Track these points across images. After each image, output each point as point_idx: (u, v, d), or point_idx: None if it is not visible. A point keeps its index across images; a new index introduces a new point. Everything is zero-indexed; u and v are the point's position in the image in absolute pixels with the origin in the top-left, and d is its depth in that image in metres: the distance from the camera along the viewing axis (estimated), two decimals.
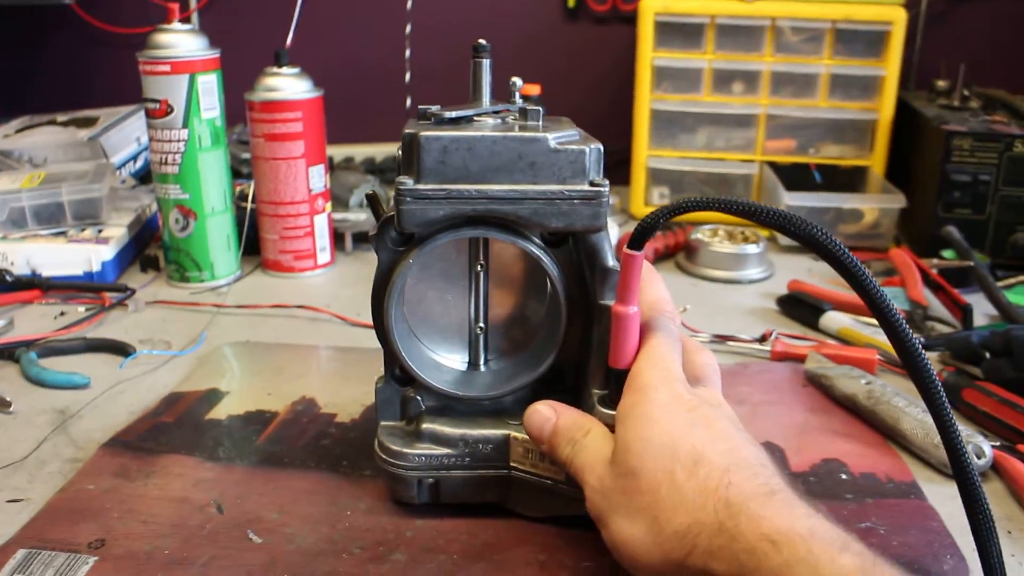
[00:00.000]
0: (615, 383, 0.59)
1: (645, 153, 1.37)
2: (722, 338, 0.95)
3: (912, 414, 0.77)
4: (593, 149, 0.58)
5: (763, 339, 0.95)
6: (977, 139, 1.17)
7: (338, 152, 1.53)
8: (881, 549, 0.61)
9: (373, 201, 0.64)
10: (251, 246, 1.20)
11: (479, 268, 0.64)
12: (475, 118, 0.61)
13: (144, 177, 1.41)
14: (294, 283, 1.17)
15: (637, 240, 0.56)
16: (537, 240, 0.61)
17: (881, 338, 0.95)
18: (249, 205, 1.18)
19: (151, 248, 1.25)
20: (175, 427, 0.78)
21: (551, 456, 0.59)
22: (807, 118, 1.35)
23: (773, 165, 1.35)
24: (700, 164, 1.37)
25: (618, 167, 1.52)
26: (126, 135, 1.43)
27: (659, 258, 1.22)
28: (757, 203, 0.55)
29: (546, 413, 0.60)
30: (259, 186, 1.16)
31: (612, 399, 0.60)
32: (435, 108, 0.60)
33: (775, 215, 0.55)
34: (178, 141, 1.08)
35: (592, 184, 0.58)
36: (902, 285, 1.10)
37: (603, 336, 0.59)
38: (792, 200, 1.23)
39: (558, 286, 0.61)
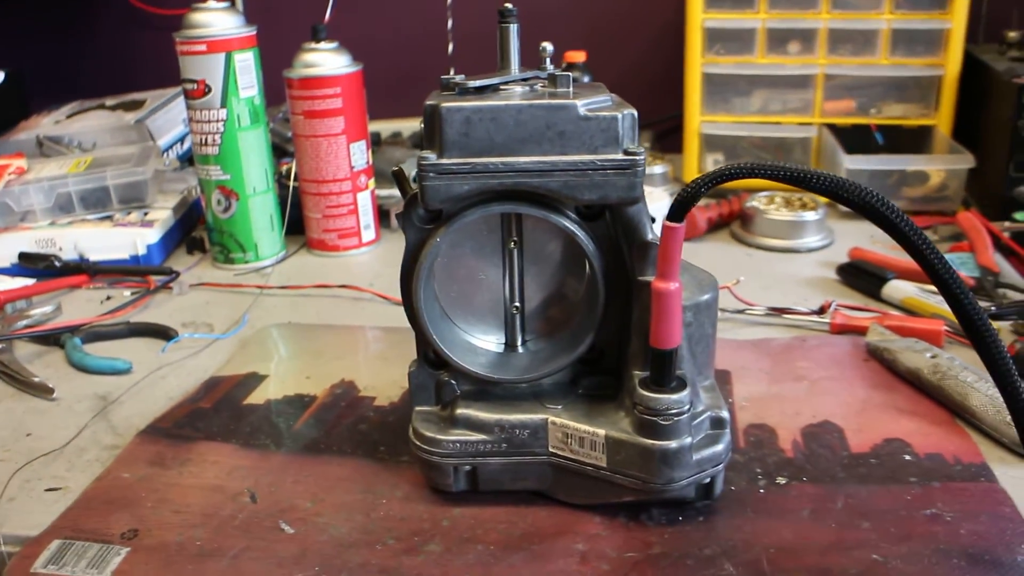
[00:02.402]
0: (657, 364, 0.56)
1: (698, 119, 1.32)
2: (778, 311, 0.91)
3: (982, 389, 0.72)
4: (627, 115, 0.55)
5: (822, 311, 0.90)
6: None
7: (385, 128, 1.51)
8: (948, 538, 0.57)
9: (399, 178, 0.61)
10: (296, 225, 1.18)
11: (512, 245, 0.61)
12: (501, 87, 0.58)
13: (190, 159, 1.40)
14: (339, 262, 1.15)
15: (677, 211, 0.52)
16: (572, 214, 0.58)
17: (948, 308, 0.89)
18: (292, 184, 1.17)
19: (197, 230, 1.24)
20: (212, 413, 0.77)
21: None
22: (867, 77, 1.29)
23: (832, 127, 1.29)
24: (755, 129, 1.32)
25: (670, 134, 1.48)
26: (172, 117, 1.42)
27: (712, 227, 1.17)
28: (805, 168, 0.51)
29: None
30: (301, 164, 1.14)
31: (656, 381, 0.56)
32: (459, 77, 0.57)
33: (825, 180, 0.51)
34: (217, 121, 1.06)
35: (627, 153, 0.54)
36: (971, 250, 1.04)
37: (643, 315, 0.56)
38: (852, 164, 1.18)
39: (594, 262, 0.57)
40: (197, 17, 1.05)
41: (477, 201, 0.57)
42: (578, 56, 1.27)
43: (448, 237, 0.58)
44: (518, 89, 0.58)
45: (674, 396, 0.55)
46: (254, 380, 0.83)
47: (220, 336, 0.93)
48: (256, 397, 0.80)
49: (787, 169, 0.51)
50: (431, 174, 0.55)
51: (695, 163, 1.34)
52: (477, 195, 0.56)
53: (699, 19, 1.28)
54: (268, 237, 1.13)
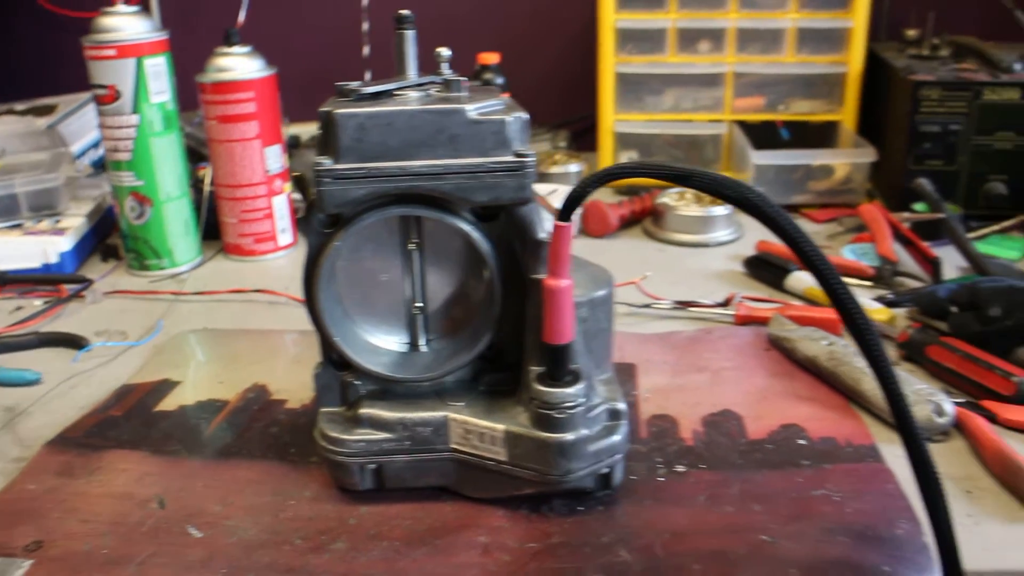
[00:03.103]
0: (551, 360, 0.57)
1: (611, 118, 1.34)
2: (684, 304, 0.93)
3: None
4: (516, 118, 0.56)
5: (726, 303, 0.93)
6: (946, 88, 1.15)
7: (305, 130, 1.51)
8: (835, 517, 0.60)
9: (301, 183, 0.61)
10: (213, 230, 1.18)
11: (413, 246, 0.62)
12: (397, 92, 0.59)
13: (105, 165, 1.38)
14: (256, 266, 1.15)
15: (566, 211, 0.54)
16: (468, 215, 0.59)
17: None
18: (207, 188, 1.16)
19: (112, 237, 1.23)
20: (123, 421, 0.77)
21: None
22: (775, 74, 1.32)
23: (742, 124, 1.33)
24: (668, 126, 1.35)
25: (586, 133, 1.50)
26: (86, 122, 1.40)
27: (625, 224, 1.19)
28: (688, 166, 0.53)
29: None
30: (216, 169, 1.14)
31: (550, 376, 0.58)
32: (355, 84, 0.58)
33: (706, 178, 0.53)
34: (128, 127, 1.06)
35: (517, 155, 0.56)
36: (872, 241, 1.08)
37: (537, 312, 0.57)
38: (760, 159, 1.21)
39: (490, 261, 0.59)
40: (106, 21, 1.04)
41: (374, 204, 0.58)
42: (491, 58, 1.28)
43: (347, 241, 0.59)
44: (413, 94, 0.59)
45: (569, 390, 0.57)
46: (167, 387, 0.83)
47: (134, 344, 0.93)
48: (168, 403, 0.80)
49: (671, 168, 0.53)
50: (327, 179, 0.56)
51: (610, 161, 1.36)
52: (374, 199, 0.57)
53: (611, 19, 1.30)
54: (184, 243, 1.13)
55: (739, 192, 0.52)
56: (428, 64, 0.62)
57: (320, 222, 0.60)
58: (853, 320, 0.53)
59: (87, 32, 1.04)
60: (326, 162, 0.56)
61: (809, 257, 0.52)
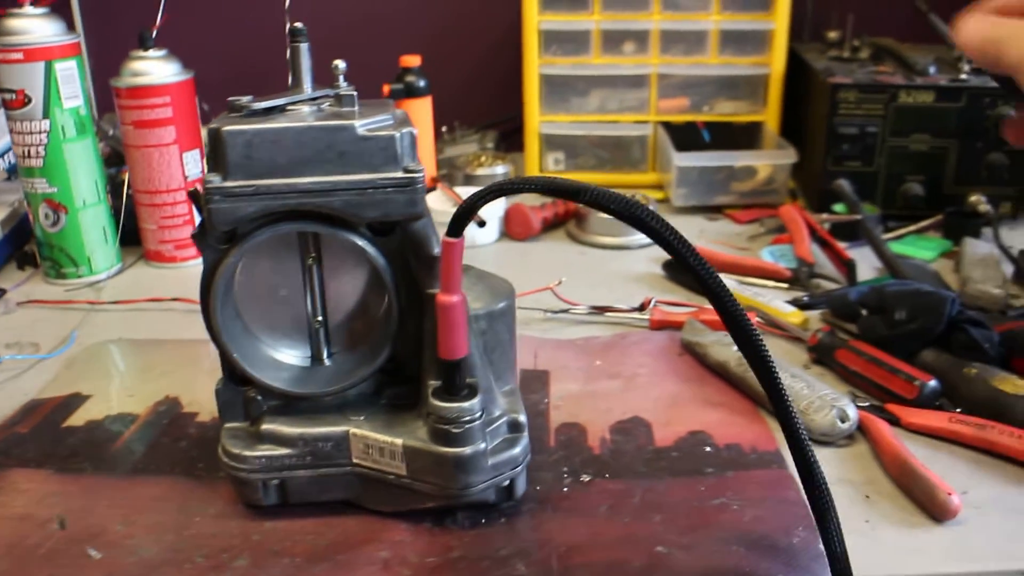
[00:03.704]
0: (446, 375, 0.58)
1: (537, 119, 1.35)
2: (600, 309, 0.94)
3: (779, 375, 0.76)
4: (405, 134, 0.56)
5: (642, 308, 0.93)
6: (862, 91, 1.17)
7: None
8: (732, 526, 0.61)
9: (195, 198, 0.61)
10: (133, 236, 1.16)
11: (311, 261, 0.62)
12: (288, 107, 0.58)
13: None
14: (177, 274, 1.13)
15: (455, 226, 0.54)
16: (364, 230, 0.59)
17: (762, 300, 0.94)
18: (125, 192, 1.14)
19: (30, 244, 1.21)
20: (29, 438, 0.75)
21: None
22: (699, 76, 1.34)
23: (667, 125, 1.34)
24: (594, 127, 1.35)
25: (514, 134, 1.50)
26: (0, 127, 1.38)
27: (548, 227, 1.20)
28: (576, 183, 0.53)
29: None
30: (133, 175, 1.12)
31: (446, 390, 0.58)
32: (246, 99, 0.58)
33: (594, 193, 0.53)
34: (40, 132, 1.04)
35: (406, 171, 0.56)
36: (791, 242, 1.10)
37: (434, 326, 0.57)
38: (682, 161, 1.22)
39: (386, 276, 0.59)
40: (12, 23, 1.01)
41: (268, 221, 0.58)
42: (413, 60, 1.27)
43: (241, 257, 0.59)
44: (306, 109, 0.59)
45: (465, 404, 0.57)
46: (76, 401, 0.82)
47: (45, 356, 0.91)
48: (77, 419, 0.79)
49: (561, 184, 0.53)
50: (216, 197, 0.55)
51: (536, 162, 1.36)
52: (265, 216, 0.57)
53: (535, 21, 1.30)
54: (102, 250, 1.11)
55: (625, 208, 0.53)
56: (349, 71, 0.61)
57: (215, 238, 0.59)
58: (741, 331, 0.53)
59: None
60: (215, 179, 0.55)
61: (698, 273, 0.53)
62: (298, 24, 0.60)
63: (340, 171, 0.55)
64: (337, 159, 0.55)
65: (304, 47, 0.60)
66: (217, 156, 0.55)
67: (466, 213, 0.53)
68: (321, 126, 0.55)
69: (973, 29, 0.55)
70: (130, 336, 0.95)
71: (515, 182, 0.53)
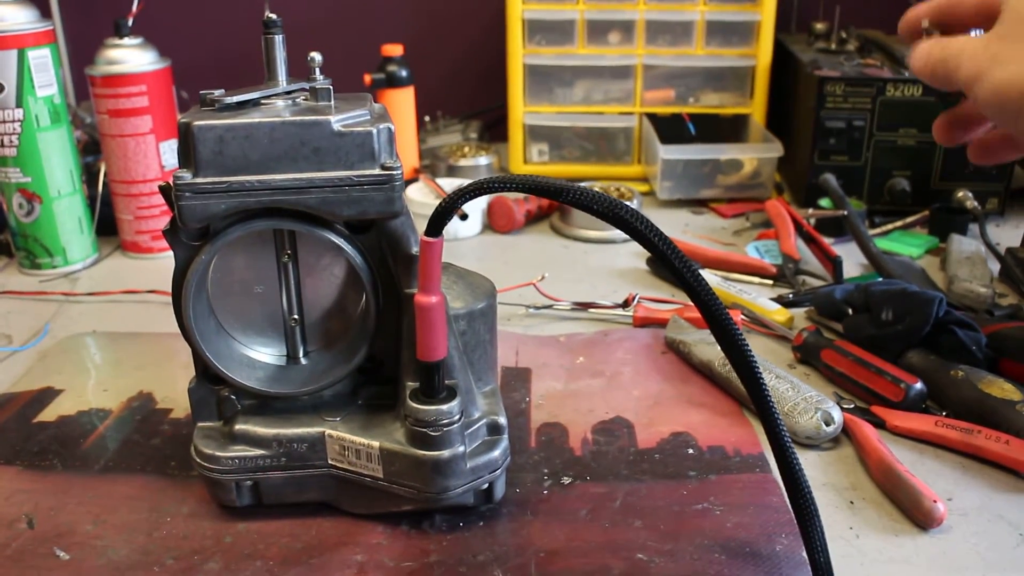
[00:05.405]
0: (424, 377, 0.56)
1: (521, 110, 1.33)
2: (583, 305, 0.93)
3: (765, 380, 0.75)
4: (382, 130, 0.54)
5: (625, 304, 0.92)
6: (850, 84, 1.15)
7: None
8: (713, 532, 0.60)
9: (166, 193, 0.59)
10: (110, 226, 1.14)
11: (286, 259, 0.60)
12: (262, 101, 0.57)
13: None
14: (154, 264, 1.11)
15: (433, 226, 0.52)
16: (341, 227, 0.58)
17: (747, 297, 0.93)
18: (101, 182, 1.12)
19: (3, 234, 1.18)
20: None
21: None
22: (684, 67, 1.32)
23: (652, 117, 1.32)
24: (578, 119, 1.34)
25: (498, 124, 1.48)
26: None
27: (532, 220, 1.19)
28: (559, 182, 0.52)
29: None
30: (109, 165, 1.10)
31: (424, 393, 0.57)
32: (218, 92, 0.56)
33: (576, 193, 0.52)
34: (13, 122, 1.01)
35: (383, 168, 0.54)
36: (776, 237, 1.09)
37: (412, 326, 0.56)
38: (667, 154, 1.21)
39: (363, 274, 0.57)
40: None
41: (242, 217, 0.56)
42: (395, 50, 1.25)
43: (213, 254, 0.57)
44: (280, 103, 0.57)
45: (443, 407, 0.56)
46: (48, 395, 0.80)
47: (17, 349, 0.90)
48: (48, 414, 0.77)
49: (540, 183, 0.52)
50: (187, 193, 0.53)
51: (520, 153, 1.35)
52: (238, 212, 0.55)
53: (519, 10, 1.28)
54: (77, 240, 1.09)
55: (608, 208, 0.52)
56: (330, 61, 0.59)
57: (187, 234, 0.58)
58: (725, 335, 0.53)
59: None
60: (185, 175, 0.53)
61: (683, 276, 0.52)
62: (272, 15, 0.58)
63: (315, 168, 0.54)
64: (312, 155, 0.53)
65: (278, 39, 0.59)
66: (188, 151, 0.54)
67: (446, 212, 0.52)
68: (295, 121, 0.53)
69: (924, 53, 0.58)
70: (105, 329, 0.94)
71: (496, 180, 0.51)
